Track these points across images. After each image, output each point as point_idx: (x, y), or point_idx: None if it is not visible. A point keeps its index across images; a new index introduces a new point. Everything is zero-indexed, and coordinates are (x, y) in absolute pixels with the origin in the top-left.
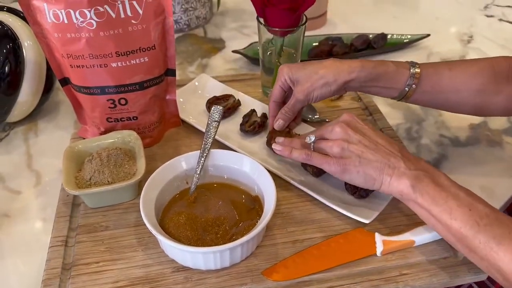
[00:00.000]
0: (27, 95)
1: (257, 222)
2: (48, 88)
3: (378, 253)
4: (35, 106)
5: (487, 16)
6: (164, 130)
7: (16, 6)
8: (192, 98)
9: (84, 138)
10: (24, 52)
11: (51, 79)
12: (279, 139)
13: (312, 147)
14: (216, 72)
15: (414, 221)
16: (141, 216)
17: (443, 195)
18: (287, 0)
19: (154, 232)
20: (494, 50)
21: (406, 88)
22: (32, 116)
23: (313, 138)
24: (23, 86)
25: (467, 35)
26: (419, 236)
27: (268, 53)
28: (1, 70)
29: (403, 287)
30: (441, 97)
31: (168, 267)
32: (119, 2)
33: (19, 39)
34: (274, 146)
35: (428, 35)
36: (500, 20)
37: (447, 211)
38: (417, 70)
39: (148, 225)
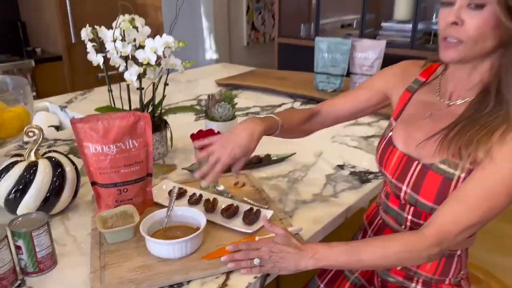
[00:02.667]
0: (65, 198)
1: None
2: (75, 195)
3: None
4: (67, 204)
5: (333, 142)
6: (145, 207)
7: (60, 147)
8: (161, 192)
9: None
10: (66, 174)
11: (77, 190)
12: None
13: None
14: (170, 186)
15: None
16: (140, 233)
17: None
18: (207, 135)
19: (145, 235)
20: (336, 159)
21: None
22: (65, 211)
23: (258, 261)
24: (63, 192)
25: (318, 153)
26: None
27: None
28: (55, 184)
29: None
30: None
31: (155, 259)
32: (127, 141)
33: (63, 166)
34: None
35: (294, 153)
36: (340, 143)
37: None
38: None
39: (143, 233)
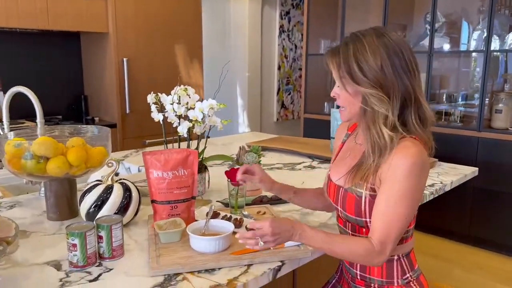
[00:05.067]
0: (129, 213)
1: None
2: (136, 213)
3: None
4: (130, 220)
5: None
6: (189, 223)
7: (128, 178)
8: (200, 213)
9: None
10: (132, 196)
11: (138, 209)
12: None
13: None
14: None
15: None
16: (184, 237)
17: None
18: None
19: (189, 233)
20: None
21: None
22: (127, 225)
23: (262, 243)
24: (129, 209)
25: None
26: (287, 243)
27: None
28: (123, 202)
29: (280, 258)
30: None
31: (195, 253)
32: (180, 169)
33: (131, 190)
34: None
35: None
36: None
37: (315, 243)
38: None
39: (188, 231)
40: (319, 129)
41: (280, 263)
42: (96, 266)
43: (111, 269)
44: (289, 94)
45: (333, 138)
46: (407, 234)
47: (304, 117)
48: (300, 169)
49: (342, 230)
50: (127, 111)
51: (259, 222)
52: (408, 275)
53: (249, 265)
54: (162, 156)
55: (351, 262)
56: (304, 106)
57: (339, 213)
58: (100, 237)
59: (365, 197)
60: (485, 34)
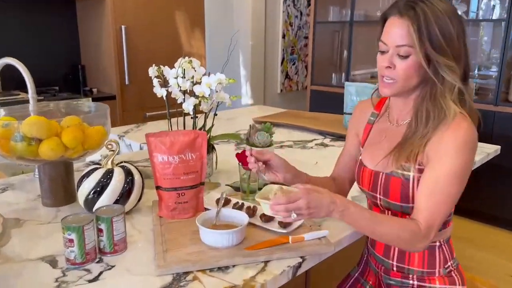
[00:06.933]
0: (132, 200)
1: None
2: (140, 199)
3: (290, 241)
4: (133, 206)
5: None
6: (197, 210)
7: (129, 157)
8: (210, 199)
9: (161, 216)
10: (135, 181)
11: (142, 195)
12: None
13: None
14: (217, 196)
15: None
16: (196, 225)
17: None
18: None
19: (199, 225)
20: None
21: None
22: (129, 212)
23: (295, 215)
24: (132, 195)
25: None
26: (307, 235)
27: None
28: (125, 188)
29: (300, 253)
30: None
31: (206, 247)
32: (187, 153)
33: (133, 174)
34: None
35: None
36: None
37: (357, 222)
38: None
39: (198, 224)
40: (326, 102)
41: (300, 260)
42: (96, 262)
43: (113, 266)
44: (293, 64)
45: (347, 114)
46: (449, 217)
47: (310, 89)
48: (312, 147)
49: None
50: (127, 82)
51: (294, 195)
52: (449, 263)
53: (266, 262)
54: (168, 138)
55: (386, 253)
56: (311, 77)
57: (378, 201)
58: (100, 230)
59: (413, 179)
60: (498, 3)
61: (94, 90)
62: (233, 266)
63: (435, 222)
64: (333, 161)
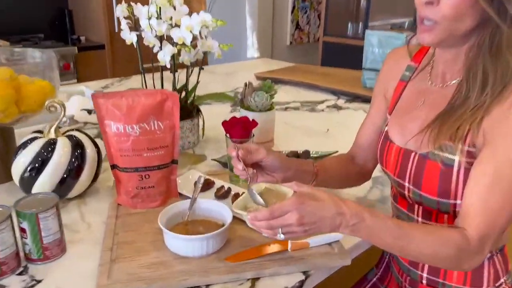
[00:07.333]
0: (83, 180)
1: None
2: (95, 179)
3: (289, 249)
4: (85, 188)
5: None
6: (168, 197)
7: (88, 131)
8: (186, 182)
9: (120, 204)
10: (86, 155)
11: (98, 174)
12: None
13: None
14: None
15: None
16: (159, 225)
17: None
18: (241, 122)
19: (163, 228)
20: None
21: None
22: (82, 195)
23: (282, 237)
24: (82, 174)
25: None
26: (313, 240)
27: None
28: (73, 164)
29: (304, 267)
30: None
31: (172, 256)
32: (152, 121)
33: (84, 147)
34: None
35: (337, 151)
36: None
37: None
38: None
39: (160, 225)
40: (341, 56)
41: (303, 276)
42: (18, 274)
43: (39, 282)
44: (305, 13)
45: (367, 69)
46: None
47: (323, 40)
48: (322, 110)
49: (405, 216)
50: (116, 29)
51: (279, 207)
52: (502, 279)
53: (254, 280)
54: (124, 101)
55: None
56: (324, 27)
57: (406, 192)
58: (22, 230)
59: (459, 166)
60: None
61: (82, 38)
62: (207, 286)
63: (491, 232)
64: (347, 129)
